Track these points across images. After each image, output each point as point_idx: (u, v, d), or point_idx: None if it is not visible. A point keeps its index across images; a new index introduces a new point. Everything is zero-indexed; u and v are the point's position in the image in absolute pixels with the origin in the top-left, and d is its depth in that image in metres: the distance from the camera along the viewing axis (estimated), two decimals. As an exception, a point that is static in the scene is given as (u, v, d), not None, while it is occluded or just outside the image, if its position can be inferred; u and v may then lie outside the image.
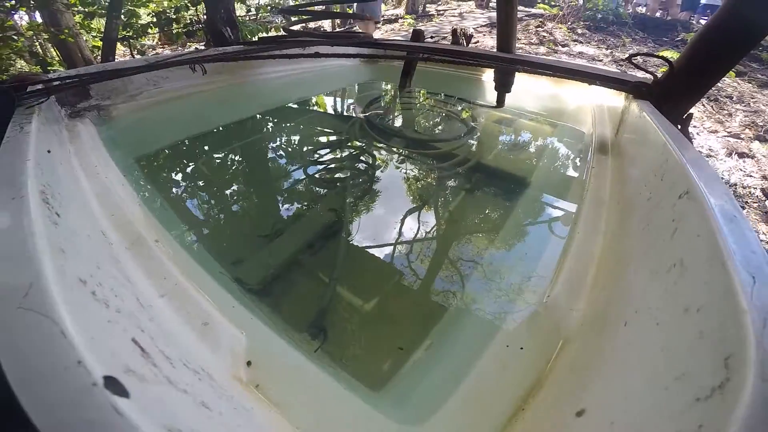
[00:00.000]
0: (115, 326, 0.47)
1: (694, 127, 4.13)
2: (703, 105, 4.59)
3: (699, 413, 0.40)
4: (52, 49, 6.44)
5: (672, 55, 5.77)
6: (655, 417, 0.46)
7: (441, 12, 10.39)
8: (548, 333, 0.86)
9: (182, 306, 0.73)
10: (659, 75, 1.48)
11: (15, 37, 5.38)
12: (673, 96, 1.42)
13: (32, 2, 4.60)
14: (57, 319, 0.38)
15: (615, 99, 1.81)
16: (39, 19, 5.93)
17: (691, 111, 1.45)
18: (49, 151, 0.89)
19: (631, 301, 0.73)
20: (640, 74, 1.60)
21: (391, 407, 0.77)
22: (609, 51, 6.62)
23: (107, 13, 4.44)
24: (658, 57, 1.66)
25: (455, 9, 10.73)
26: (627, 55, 6.14)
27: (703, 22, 8.05)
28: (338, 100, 3.21)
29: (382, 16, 10.37)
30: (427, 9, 10.62)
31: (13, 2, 4.56)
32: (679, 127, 1.37)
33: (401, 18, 9.86)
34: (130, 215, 1.05)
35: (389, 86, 3.34)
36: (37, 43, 6.31)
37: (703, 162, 0.82)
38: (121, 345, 0.44)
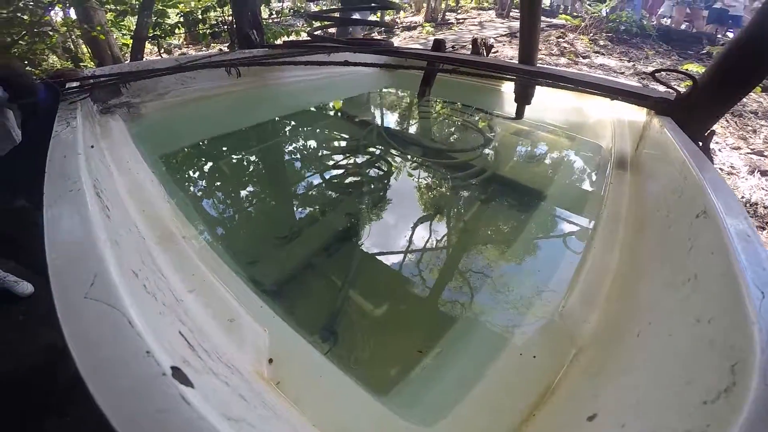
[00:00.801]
0: (166, 318, 0.50)
1: (716, 143, 4.04)
2: (726, 120, 4.49)
3: (706, 414, 0.43)
4: (83, 46, 6.67)
5: (697, 68, 5.66)
6: (664, 418, 0.49)
7: (461, 20, 10.40)
8: (562, 342, 0.88)
9: (210, 302, 0.77)
10: (682, 91, 1.48)
11: (50, 33, 5.59)
12: (696, 112, 1.40)
13: (68, -1, 4.75)
14: (124, 311, 0.41)
15: (635, 113, 1.80)
16: (73, 16, 6.16)
17: (713, 127, 1.44)
18: (92, 147, 0.94)
19: (645, 313, 0.76)
20: (662, 89, 1.60)
21: (403, 408, 0.80)
22: (631, 63, 6.53)
23: (138, 12, 4.59)
24: (682, 73, 1.65)
25: (475, 18, 10.74)
26: (650, 69, 6.06)
27: (730, 35, 7.87)
28: (357, 105, 3.25)
29: (401, 23, 10.44)
30: (446, 17, 10.63)
31: (50, -3, 4.73)
32: (701, 144, 1.36)
33: (420, 26, 9.90)
34: (159, 211, 1.10)
35: (406, 93, 3.37)
36: (69, 40, 6.54)
37: (721, 182, 0.84)
38: (174, 337, 0.47)
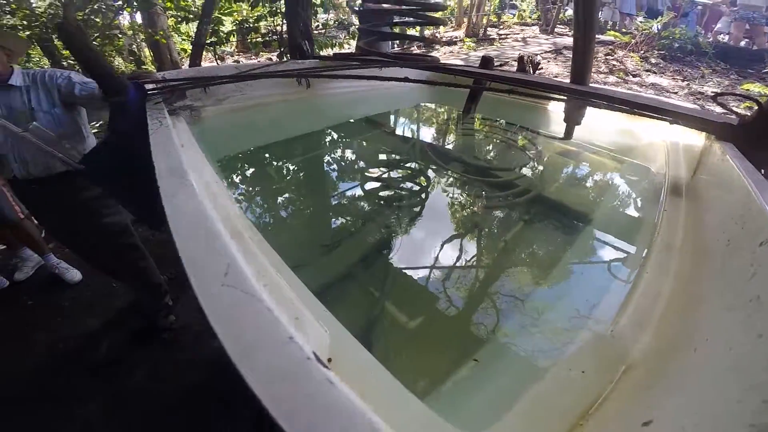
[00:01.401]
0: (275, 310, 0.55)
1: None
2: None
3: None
4: (145, 49, 7.20)
5: (759, 89, 5.34)
6: (727, 418, 0.52)
7: (503, 36, 10.31)
8: (611, 359, 0.89)
9: (278, 298, 0.82)
10: (743, 113, 1.43)
11: (119, 36, 6.06)
12: (761, 139, 1.35)
13: (135, 3, 5.15)
14: (259, 297, 0.47)
15: (692, 137, 1.74)
16: (138, 21, 6.67)
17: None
18: (182, 145, 1.03)
19: (702, 331, 0.78)
20: (718, 110, 1.55)
21: (452, 415, 0.82)
22: (685, 83, 6.24)
23: (199, 19, 4.91)
24: (746, 96, 1.60)
25: (518, 34, 10.63)
26: (706, 88, 5.77)
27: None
28: (399, 119, 3.32)
29: (441, 37, 10.49)
30: (488, 33, 10.56)
31: (120, 2, 5.15)
32: (763, 171, 1.31)
33: (460, 41, 9.91)
34: (227, 210, 1.18)
35: (449, 109, 3.39)
36: (135, 43, 7.07)
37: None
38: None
